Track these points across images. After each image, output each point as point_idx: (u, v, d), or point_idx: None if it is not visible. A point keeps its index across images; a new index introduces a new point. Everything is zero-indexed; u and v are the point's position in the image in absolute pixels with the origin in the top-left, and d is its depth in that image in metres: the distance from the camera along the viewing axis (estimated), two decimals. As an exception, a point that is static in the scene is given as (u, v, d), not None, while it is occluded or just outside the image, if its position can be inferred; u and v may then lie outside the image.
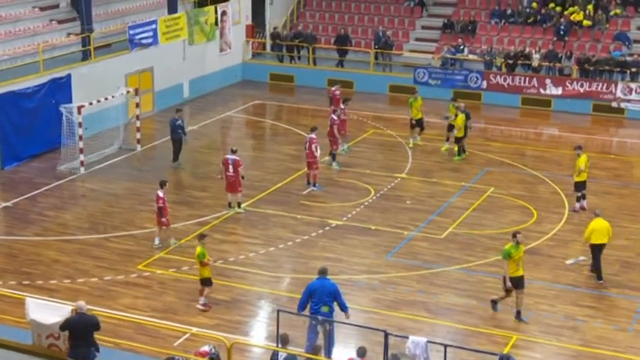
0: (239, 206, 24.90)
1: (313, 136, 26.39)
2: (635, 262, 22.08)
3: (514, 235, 19.12)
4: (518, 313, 19.10)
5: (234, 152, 24.91)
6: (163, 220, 22.53)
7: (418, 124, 30.88)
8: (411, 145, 30.62)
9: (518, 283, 19.01)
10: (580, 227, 24.11)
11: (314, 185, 26.58)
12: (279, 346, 15.59)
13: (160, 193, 22.47)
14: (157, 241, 22.65)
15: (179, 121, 28.51)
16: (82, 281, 20.75)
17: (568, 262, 22.09)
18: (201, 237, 19.64)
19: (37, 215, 24.79)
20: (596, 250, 20.94)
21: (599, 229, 20.80)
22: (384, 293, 20.18)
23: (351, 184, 27.15)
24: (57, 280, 20.76)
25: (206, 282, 19.50)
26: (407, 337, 15.53)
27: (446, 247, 22.80)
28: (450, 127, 30.13)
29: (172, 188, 26.85)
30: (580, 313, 19.53)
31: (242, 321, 19.19)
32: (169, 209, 23.01)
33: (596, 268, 21.04)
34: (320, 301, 16.84)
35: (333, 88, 33.01)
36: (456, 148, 29.57)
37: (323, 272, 17.23)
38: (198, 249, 19.25)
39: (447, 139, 30.36)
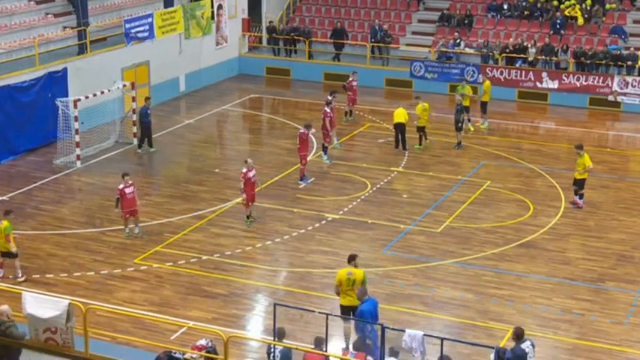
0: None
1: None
2: (631, 256, 22.10)
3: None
4: None
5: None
6: (116, 210, 22.77)
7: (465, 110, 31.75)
8: (472, 129, 31.85)
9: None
10: (576, 221, 24.20)
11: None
12: (276, 339, 15.59)
13: (120, 185, 22.67)
14: (126, 230, 22.93)
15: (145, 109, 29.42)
16: (78, 275, 20.75)
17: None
18: (7, 213, 20.63)
19: (34, 209, 24.77)
20: (397, 127, 29.28)
21: (399, 113, 29.21)
22: (380, 287, 20.16)
23: (347, 178, 27.14)
24: (54, 274, 20.75)
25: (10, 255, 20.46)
26: (403, 331, 15.52)
27: (442, 241, 22.80)
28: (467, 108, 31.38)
29: (169, 182, 26.92)
30: (576, 306, 19.55)
31: (239, 315, 19.20)
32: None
33: (396, 141, 29.45)
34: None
35: (350, 78, 33.06)
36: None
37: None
38: (6, 223, 20.12)
39: (469, 120, 31.87)
